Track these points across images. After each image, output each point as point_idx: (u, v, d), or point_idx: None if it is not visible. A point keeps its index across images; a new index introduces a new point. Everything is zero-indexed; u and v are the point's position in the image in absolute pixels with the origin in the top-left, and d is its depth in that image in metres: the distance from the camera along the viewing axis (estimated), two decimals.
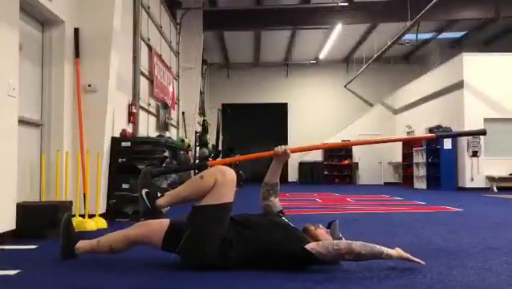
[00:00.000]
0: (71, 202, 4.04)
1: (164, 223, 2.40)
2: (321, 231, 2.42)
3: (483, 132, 2.92)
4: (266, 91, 18.47)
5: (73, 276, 2.25)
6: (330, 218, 2.69)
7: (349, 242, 2.24)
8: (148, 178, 2.40)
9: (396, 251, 2.27)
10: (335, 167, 17.22)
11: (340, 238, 2.43)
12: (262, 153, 2.72)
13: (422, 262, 2.30)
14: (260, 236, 2.30)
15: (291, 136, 18.24)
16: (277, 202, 2.67)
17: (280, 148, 2.58)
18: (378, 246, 2.24)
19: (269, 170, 2.68)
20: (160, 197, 2.38)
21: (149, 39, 8.20)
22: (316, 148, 3.19)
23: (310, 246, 2.23)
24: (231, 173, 2.33)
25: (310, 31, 14.23)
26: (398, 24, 12.61)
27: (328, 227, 2.47)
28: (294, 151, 2.64)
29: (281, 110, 18.71)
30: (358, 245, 2.21)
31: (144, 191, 2.32)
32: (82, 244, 2.51)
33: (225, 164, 2.56)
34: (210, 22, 12.28)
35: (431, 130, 12.61)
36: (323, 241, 2.28)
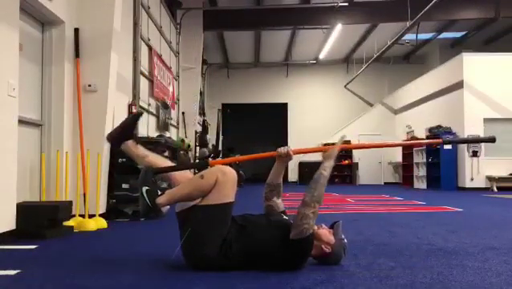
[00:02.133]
0: (70, 202, 4.04)
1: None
2: (323, 231, 2.41)
3: (492, 140, 2.77)
4: (266, 91, 18.46)
5: (73, 276, 2.25)
6: (330, 218, 2.69)
7: (300, 203, 2.29)
8: (149, 176, 2.40)
9: (325, 158, 2.40)
10: (335, 167, 16.88)
11: (342, 239, 2.44)
12: (264, 154, 2.70)
13: (341, 136, 2.43)
14: (261, 236, 2.30)
15: (291, 136, 18.24)
16: (280, 203, 2.67)
17: (283, 150, 2.57)
18: (315, 175, 2.33)
19: (271, 171, 2.68)
20: (161, 195, 2.38)
21: (149, 39, 8.20)
22: (319, 150, 3.17)
23: (291, 234, 2.26)
24: (232, 173, 2.33)
25: (310, 31, 14.23)
26: (398, 24, 12.61)
27: (331, 227, 2.47)
28: (296, 152, 2.64)
29: (281, 110, 18.70)
30: (307, 195, 2.27)
31: (144, 189, 2.32)
32: (132, 144, 2.59)
33: (226, 164, 2.56)
34: (210, 22, 12.28)
35: (431, 130, 12.62)
36: (292, 223, 2.31)
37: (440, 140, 3.06)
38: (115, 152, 5.00)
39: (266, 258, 2.29)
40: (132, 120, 2.65)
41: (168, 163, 2.54)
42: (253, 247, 2.28)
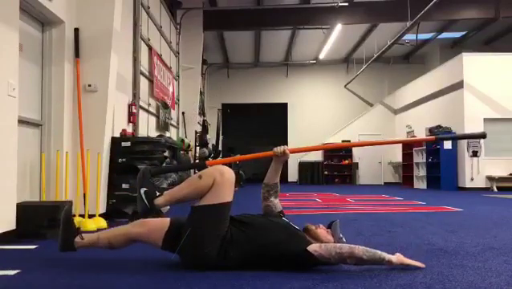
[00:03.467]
0: (71, 202, 4.03)
1: (164, 222, 2.40)
2: (322, 231, 2.42)
3: (483, 136, 2.85)
4: (266, 91, 18.46)
5: (73, 276, 2.25)
6: (330, 218, 2.69)
7: (352, 246, 2.23)
8: (147, 177, 2.40)
9: (397, 257, 2.28)
10: (335, 167, 17.22)
11: (341, 238, 2.43)
12: (261, 153, 2.71)
13: (422, 265, 2.31)
14: (260, 236, 2.30)
15: (291, 136, 18.24)
16: (277, 203, 2.67)
17: (279, 149, 2.58)
18: (379, 252, 2.24)
19: (268, 171, 2.68)
20: (159, 196, 2.38)
21: (149, 39, 8.20)
22: (315, 148, 3.18)
23: (313, 248, 2.23)
24: (230, 173, 2.33)
25: (310, 31, 14.23)
26: (398, 24, 12.63)
27: (329, 227, 2.47)
28: (293, 151, 2.64)
29: (281, 110, 18.71)
30: (360, 250, 2.21)
31: (142, 190, 2.32)
32: (80, 239, 2.50)
33: (223, 164, 2.56)
34: (210, 22, 12.29)
35: (431, 130, 12.62)
36: (326, 244, 2.27)
37: (434, 138, 3.08)
38: (116, 152, 5.00)
39: (266, 258, 2.29)
40: (66, 216, 2.52)
41: (122, 230, 2.44)
42: (254, 247, 2.28)
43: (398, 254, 2.31)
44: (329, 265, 2.34)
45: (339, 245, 2.25)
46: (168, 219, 2.43)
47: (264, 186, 2.67)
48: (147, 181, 2.37)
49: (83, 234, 2.52)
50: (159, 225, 2.39)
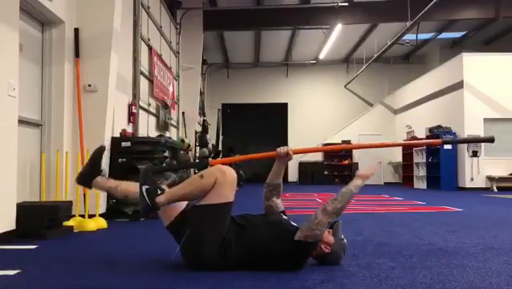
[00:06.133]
0: (70, 202, 4.04)
1: (181, 204, 2.42)
2: None
3: (491, 140, 2.77)
4: (266, 91, 18.45)
5: (73, 276, 2.25)
6: None
7: (321, 208, 2.28)
8: (149, 175, 2.40)
9: (358, 177, 2.35)
10: (335, 167, 17.22)
11: (342, 239, 2.44)
12: (263, 154, 2.69)
13: (376, 166, 2.39)
14: (260, 236, 2.30)
15: (291, 136, 18.24)
16: (279, 203, 2.67)
17: (282, 149, 2.56)
18: (344, 190, 2.31)
19: (271, 171, 2.68)
20: (161, 194, 2.38)
21: (149, 39, 8.20)
22: (318, 150, 3.17)
23: (297, 235, 2.26)
24: (231, 173, 2.33)
25: (310, 31, 14.23)
26: (398, 24, 12.62)
27: (331, 227, 2.47)
28: (296, 152, 2.63)
29: (281, 110, 18.70)
30: (330, 204, 2.27)
31: (144, 188, 2.32)
32: (102, 180, 2.59)
33: (225, 164, 2.55)
34: (210, 22, 12.28)
35: (431, 130, 12.62)
36: (302, 224, 2.30)
37: (440, 141, 3.04)
38: (116, 152, 5.00)
39: (266, 258, 2.29)
40: (97, 155, 2.63)
41: (135, 185, 2.47)
42: (253, 247, 2.28)
43: (356, 173, 2.40)
44: (328, 264, 2.34)
45: (312, 216, 2.29)
46: (185, 202, 2.44)
47: (267, 186, 2.67)
48: (149, 178, 2.37)
49: (106, 178, 2.62)
50: (177, 204, 2.41)
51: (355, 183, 2.32)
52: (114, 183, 2.56)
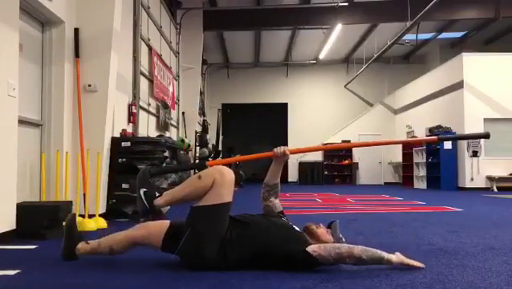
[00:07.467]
0: (71, 202, 4.03)
1: (164, 224, 2.41)
2: (322, 231, 2.42)
3: (486, 136, 2.79)
4: (266, 91, 18.46)
5: (73, 276, 2.25)
6: (330, 218, 2.69)
7: (351, 246, 2.23)
8: (147, 178, 2.40)
9: (396, 256, 2.27)
10: (335, 167, 17.22)
11: (340, 238, 2.44)
12: (261, 154, 2.70)
13: (422, 266, 2.31)
14: (260, 236, 2.30)
15: (291, 136, 18.24)
16: (277, 203, 2.67)
17: (279, 149, 2.58)
18: (379, 252, 2.24)
19: (269, 171, 2.68)
20: (158, 196, 2.38)
21: (149, 39, 8.20)
22: (315, 149, 3.18)
23: (312, 248, 2.23)
24: (229, 173, 2.33)
25: (310, 31, 14.23)
26: (398, 24, 12.62)
27: (329, 227, 2.48)
28: (293, 152, 2.64)
29: (281, 110, 18.71)
30: (359, 249, 2.20)
31: (142, 191, 2.32)
32: (83, 245, 2.51)
33: (223, 165, 2.56)
34: (210, 22, 12.29)
35: (431, 130, 12.62)
36: (324, 244, 2.27)
37: (436, 138, 3.06)
38: (116, 152, 5.00)
39: (266, 259, 2.29)
40: (69, 224, 2.53)
41: (122, 234, 2.44)
42: (254, 248, 2.28)
43: (398, 253, 2.31)
44: (328, 265, 2.34)
45: (338, 245, 2.25)
46: (168, 221, 2.44)
47: (264, 186, 2.67)
48: (146, 181, 2.37)
49: (85, 241, 2.53)
50: (159, 227, 2.39)
51: (391, 257, 2.24)
52: (95, 243, 2.48)
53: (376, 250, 2.25)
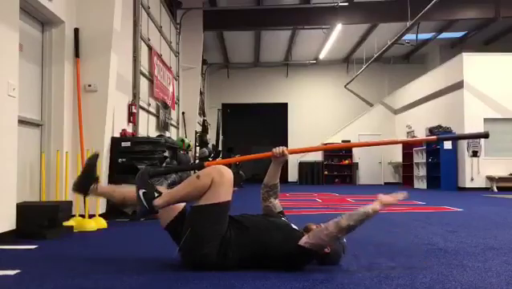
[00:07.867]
0: (71, 202, 4.04)
1: (180, 206, 2.45)
2: None
3: (485, 135, 2.77)
4: (266, 91, 18.46)
5: (73, 276, 2.25)
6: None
7: (335, 220, 2.22)
8: (145, 178, 2.40)
9: (379, 202, 2.24)
10: (335, 167, 17.22)
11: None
12: (260, 154, 2.70)
13: (405, 195, 2.27)
14: (259, 236, 2.30)
15: (291, 136, 18.24)
16: (277, 203, 2.67)
17: (278, 150, 2.57)
18: (362, 210, 2.22)
19: (268, 172, 2.68)
20: (158, 197, 2.37)
21: (149, 39, 8.20)
22: (315, 149, 3.18)
23: (303, 240, 2.24)
24: (228, 173, 2.33)
25: (310, 31, 14.23)
26: (398, 24, 12.62)
27: None
28: (292, 152, 2.64)
29: (281, 110, 18.71)
30: (345, 219, 2.20)
31: (141, 191, 2.32)
32: (97, 186, 2.58)
33: (222, 165, 2.55)
34: (210, 22, 12.29)
35: (431, 130, 12.62)
36: (312, 231, 2.28)
37: (435, 138, 3.06)
38: (116, 152, 5.00)
39: (266, 258, 2.29)
40: (92, 162, 2.62)
41: (132, 189, 2.47)
42: (253, 247, 2.28)
43: (379, 195, 2.27)
44: (328, 264, 2.34)
45: (323, 225, 2.26)
46: (183, 204, 2.47)
47: (263, 187, 2.67)
48: (145, 182, 2.37)
49: (100, 185, 2.61)
50: (174, 206, 2.42)
51: (374, 206, 2.23)
52: (110, 188, 2.56)
53: (359, 209, 2.23)
